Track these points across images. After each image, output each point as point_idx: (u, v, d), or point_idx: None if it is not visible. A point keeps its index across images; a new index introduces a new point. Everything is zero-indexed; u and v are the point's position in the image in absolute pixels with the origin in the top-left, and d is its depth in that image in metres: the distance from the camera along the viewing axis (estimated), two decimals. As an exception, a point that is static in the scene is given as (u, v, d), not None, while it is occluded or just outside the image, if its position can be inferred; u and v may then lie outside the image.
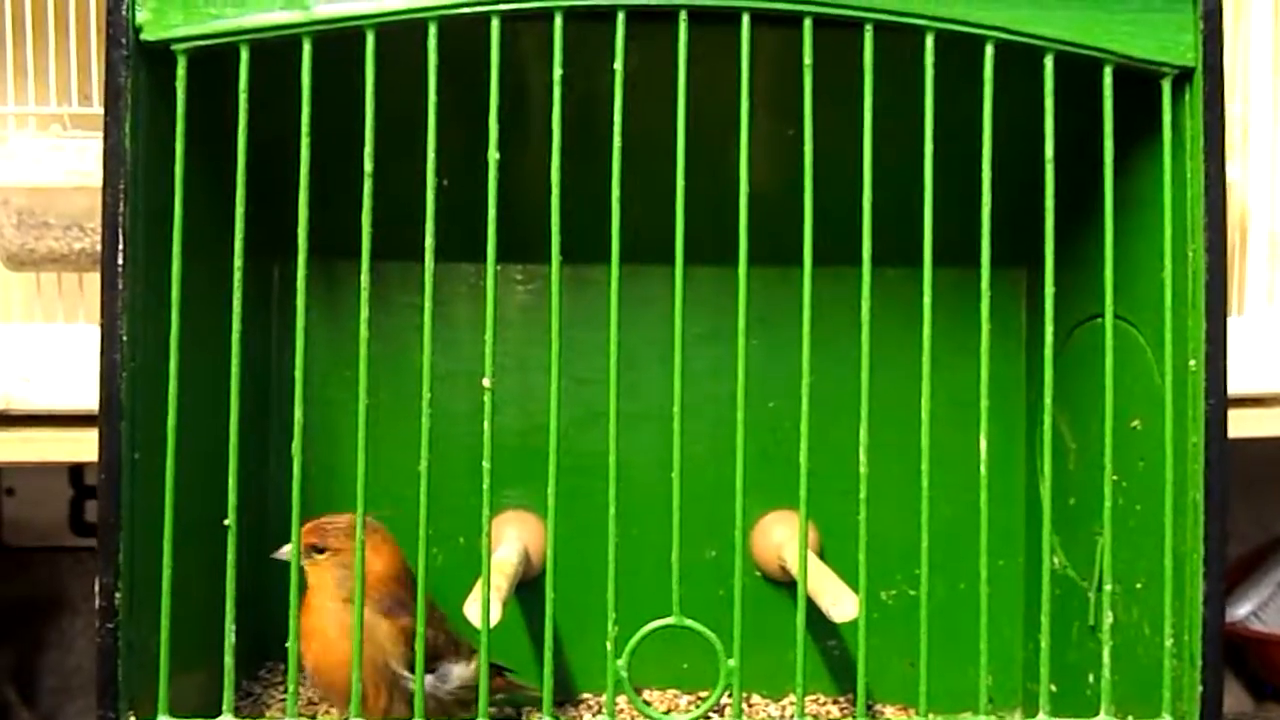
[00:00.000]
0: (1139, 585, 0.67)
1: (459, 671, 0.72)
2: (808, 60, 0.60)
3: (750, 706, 0.85)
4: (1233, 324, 0.67)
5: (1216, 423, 0.61)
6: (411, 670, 0.63)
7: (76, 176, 0.88)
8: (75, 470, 1.20)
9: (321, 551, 0.69)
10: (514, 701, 0.81)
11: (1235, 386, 0.63)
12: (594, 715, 0.82)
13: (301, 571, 0.65)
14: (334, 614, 0.69)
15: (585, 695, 0.86)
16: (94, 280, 0.63)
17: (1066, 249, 0.63)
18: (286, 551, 0.63)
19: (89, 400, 0.61)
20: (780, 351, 0.78)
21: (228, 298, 0.61)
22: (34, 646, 1.19)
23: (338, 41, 0.60)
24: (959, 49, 0.61)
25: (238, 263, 0.61)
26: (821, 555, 0.80)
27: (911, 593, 0.86)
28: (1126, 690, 0.66)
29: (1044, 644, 0.63)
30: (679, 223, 0.60)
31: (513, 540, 0.80)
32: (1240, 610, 1.12)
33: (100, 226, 0.61)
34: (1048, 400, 0.62)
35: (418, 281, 0.61)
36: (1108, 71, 0.62)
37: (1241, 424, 0.62)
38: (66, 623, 1.20)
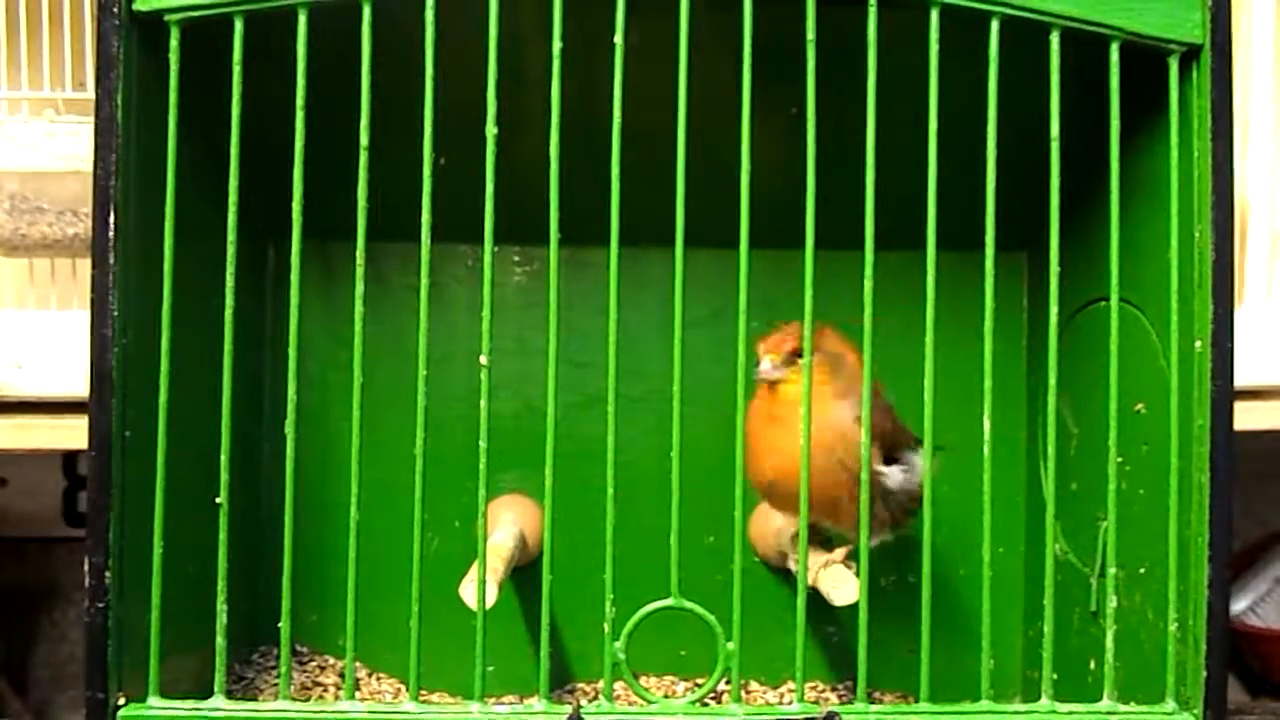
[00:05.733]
0: (1142, 570, 0.67)
1: (918, 460, 0.70)
2: (810, 36, 0.59)
3: (748, 693, 0.84)
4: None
5: (1222, 404, 0.60)
6: (886, 464, 0.67)
7: (70, 161, 0.87)
8: (69, 460, 1.20)
9: (798, 357, 0.65)
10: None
11: (1233, 380, 0.62)
12: (590, 701, 0.81)
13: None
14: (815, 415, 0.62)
15: (580, 684, 0.85)
16: (88, 266, 0.63)
17: (1069, 231, 0.63)
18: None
19: (82, 387, 0.60)
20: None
21: (222, 277, 0.60)
22: (26, 637, 1.19)
23: (335, 14, 0.59)
24: (963, 26, 0.60)
25: (231, 237, 0.60)
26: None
27: (911, 579, 0.85)
28: (1129, 676, 0.65)
29: (1047, 630, 0.62)
30: (679, 204, 0.59)
31: (509, 524, 0.79)
32: (1237, 605, 1.12)
33: (90, 201, 0.60)
34: (1052, 382, 0.62)
35: (414, 262, 0.61)
36: (1114, 48, 0.61)
37: (1238, 417, 0.61)
38: (59, 614, 1.20)
